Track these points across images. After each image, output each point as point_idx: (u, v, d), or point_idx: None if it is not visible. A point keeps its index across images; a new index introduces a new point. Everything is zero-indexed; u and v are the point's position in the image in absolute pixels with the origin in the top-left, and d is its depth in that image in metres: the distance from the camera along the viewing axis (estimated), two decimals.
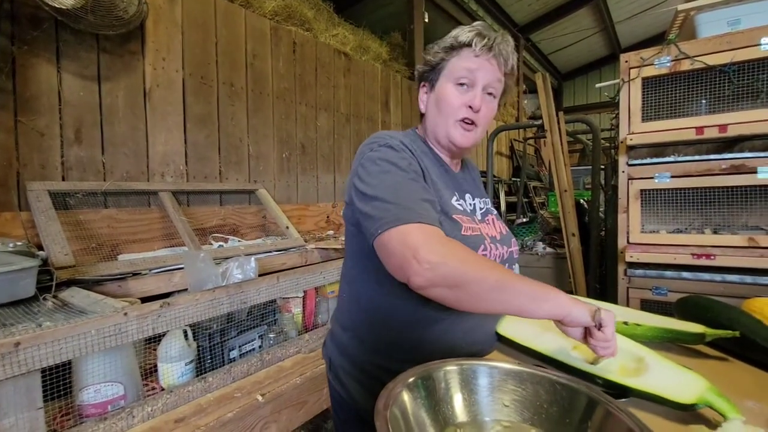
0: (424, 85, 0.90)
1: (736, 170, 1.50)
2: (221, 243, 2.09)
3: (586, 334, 0.65)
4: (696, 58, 1.54)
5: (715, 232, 1.58)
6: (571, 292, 2.24)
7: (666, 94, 1.64)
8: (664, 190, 1.64)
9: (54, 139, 1.68)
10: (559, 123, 3.03)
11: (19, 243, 1.36)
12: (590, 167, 3.12)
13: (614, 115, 1.95)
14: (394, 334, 0.79)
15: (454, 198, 0.84)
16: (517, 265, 0.92)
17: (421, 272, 0.60)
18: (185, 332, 1.33)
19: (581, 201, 3.17)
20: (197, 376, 1.30)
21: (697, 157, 1.57)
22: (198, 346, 1.36)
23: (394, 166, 0.73)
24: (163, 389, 1.26)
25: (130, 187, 1.88)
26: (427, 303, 0.72)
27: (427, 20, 4.42)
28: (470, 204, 0.88)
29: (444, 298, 0.62)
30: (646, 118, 1.68)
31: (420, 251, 0.60)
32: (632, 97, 1.68)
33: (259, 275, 1.63)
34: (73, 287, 1.34)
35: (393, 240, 0.64)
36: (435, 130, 0.86)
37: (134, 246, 1.84)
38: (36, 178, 1.62)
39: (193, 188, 2.15)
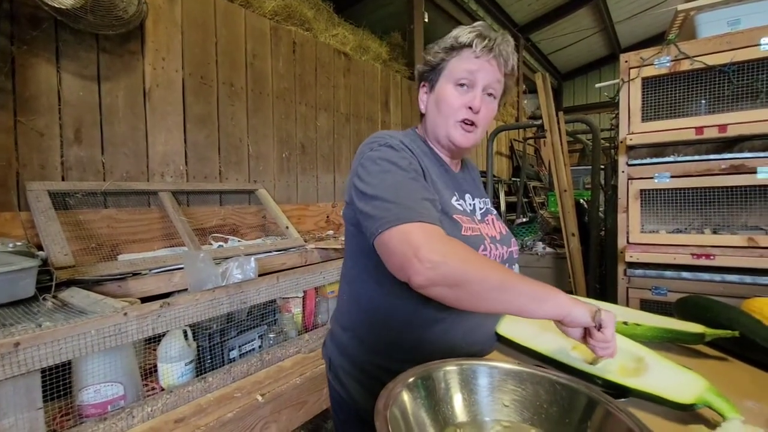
0: (424, 85, 0.90)
1: (736, 170, 1.50)
2: (221, 243, 2.09)
3: (586, 335, 0.65)
4: (696, 58, 1.54)
5: (714, 232, 1.58)
6: (570, 292, 2.25)
7: (666, 94, 1.64)
8: (664, 190, 1.65)
9: (53, 139, 1.68)
10: (558, 123, 3.03)
11: (19, 243, 1.36)
12: (590, 167, 3.12)
13: (614, 115, 1.95)
14: (394, 334, 0.79)
15: (454, 198, 0.84)
16: (517, 265, 0.92)
17: (422, 271, 0.60)
18: (185, 332, 1.33)
19: (581, 201, 3.17)
20: (197, 376, 1.30)
21: (696, 157, 1.57)
22: (198, 346, 1.36)
23: (394, 165, 0.73)
24: (162, 389, 1.26)
25: (129, 187, 1.87)
26: (427, 303, 0.72)
27: (427, 20, 4.42)
28: (470, 204, 0.88)
29: (445, 297, 0.62)
30: (645, 118, 1.68)
31: (421, 250, 0.60)
32: (632, 97, 1.68)
33: (259, 275, 1.63)
34: (73, 287, 1.34)
35: (394, 239, 0.64)
36: (435, 130, 0.86)
37: (134, 246, 1.84)
38: (35, 178, 1.62)
39: (193, 188, 2.15)
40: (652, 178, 1.64)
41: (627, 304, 1.71)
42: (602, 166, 2.99)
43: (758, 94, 1.49)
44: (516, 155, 6.65)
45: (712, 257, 1.51)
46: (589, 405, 0.54)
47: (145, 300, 1.28)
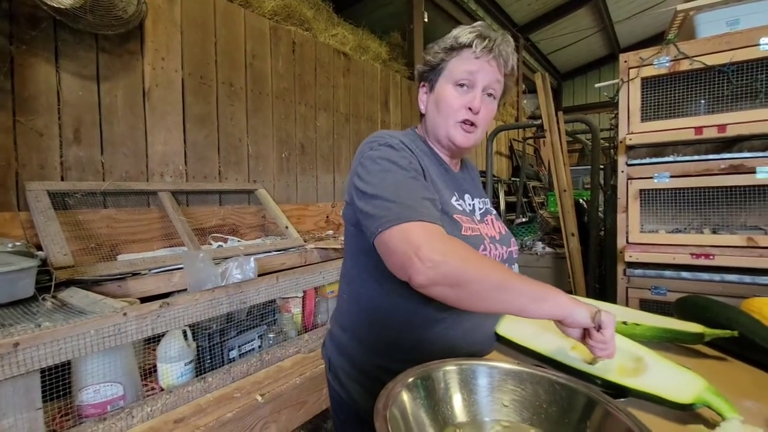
0: (423, 85, 0.89)
1: (735, 170, 1.50)
2: (221, 243, 2.09)
3: (585, 335, 0.65)
4: (695, 58, 1.55)
5: (714, 232, 1.58)
6: (570, 292, 2.25)
7: (665, 94, 1.65)
8: (664, 189, 1.65)
9: (53, 139, 1.68)
10: (558, 123, 3.03)
11: (18, 243, 1.36)
12: (589, 167, 3.12)
13: (613, 115, 1.95)
14: (394, 334, 0.79)
15: (454, 198, 0.84)
16: (516, 265, 0.92)
17: (422, 270, 0.60)
18: (185, 332, 1.33)
19: (580, 201, 3.17)
20: (197, 376, 1.30)
21: (696, 157, 1.57)
22: (197, 346, 1.36)
23: (394, 164, 0.73)
24: (162, 389, 1.26)
25: (129, 187, 1.87)
26: (427, 303, 0.72)
27: (426, 20, 4.42)
28: (470, 204, 0.88)
29: (445, 296, 0.62)
30: (645, 118, 1.68)
31: (422, 249, 0.60)
32: (631, 97, 1.68)
33: (259, 275, 1.63)
34: (72, 287, 1.34)
35: (394, 238, 0.64)
36: (435, 130, 0.86)
37: (133, 246, 1.84)
38: (35, 178, 1.62)
39: (193, 188, 2.15)
40: (651, 178, 1.64)
41: (626, 304, 1.71)
42: (602, 166, 3.00)
43: (757, 94, 1.49)
44: (515, 155, 6.65)
45: (711, 257, 1.51)
46: (589, 405, 0.54)
47: (144, 300, 1.28)
